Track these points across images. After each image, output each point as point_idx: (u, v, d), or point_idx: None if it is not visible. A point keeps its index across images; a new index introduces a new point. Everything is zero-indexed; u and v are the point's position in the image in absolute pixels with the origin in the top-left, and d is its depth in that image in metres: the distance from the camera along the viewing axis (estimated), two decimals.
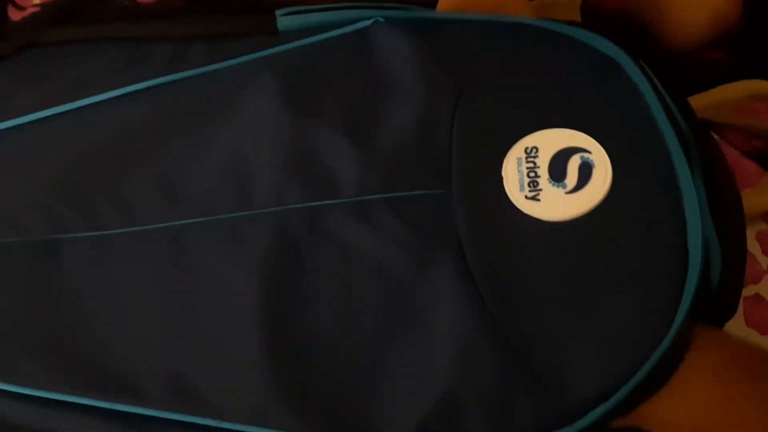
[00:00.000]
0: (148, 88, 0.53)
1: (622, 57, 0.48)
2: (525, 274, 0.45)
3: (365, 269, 0.46)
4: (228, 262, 0.48)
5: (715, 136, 0.61)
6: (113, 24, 0.57)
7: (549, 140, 0.46)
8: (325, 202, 0.47)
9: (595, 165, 0.45)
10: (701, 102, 0.60)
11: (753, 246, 0.62)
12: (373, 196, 0.47)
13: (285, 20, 0.53)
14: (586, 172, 0.45)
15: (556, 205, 0.45)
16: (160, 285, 0.49)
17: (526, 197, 0.45)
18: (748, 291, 0.61)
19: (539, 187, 0.45)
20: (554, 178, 0.45)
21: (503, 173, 0.46)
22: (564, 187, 0.45)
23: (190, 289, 0.48)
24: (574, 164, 0.45)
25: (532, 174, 0.46)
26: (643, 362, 0.42)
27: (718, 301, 0.46)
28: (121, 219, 0.50)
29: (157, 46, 0.55)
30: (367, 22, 0.52)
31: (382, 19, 0.52)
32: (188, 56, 0.54)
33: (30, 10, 0.62)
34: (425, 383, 0.44)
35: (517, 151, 0.46)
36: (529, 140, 0.46)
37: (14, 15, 0.61)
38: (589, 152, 0.45)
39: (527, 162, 0.46)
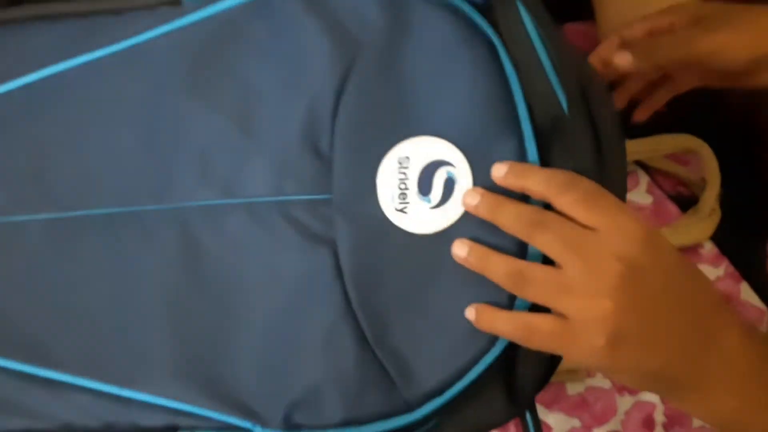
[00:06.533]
0: (57, 74, 0.55)
1: (497, 39, 0.48)
2: (386, 281, 0.48)
3: (253, 265, 0.50)
4: (135, 252, 0.52)
5: (647, 177, 0.72)
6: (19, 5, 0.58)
7: (420, 150, 0.48)
8: (222, 201, 0.51)
9: (458, 180, 0.47)
10: (639, 146, 0.70)
11: None
12: (264, 199, 0.50)
13: None
14: (449, 187, 0.47)
15: (421, 219, 0.48)
16: (72, 267, 0.53)
17: (396, 209, 0.48)
18: None
19: (407, 200, 0.48)
20: (422, 191, 0.48)
21: (377, 182, 0.48)
22: (429, 202, 0.47)
23: (98, 271, 0.53)
24: (439, 178, 0.47)
25: (402, 186, 0.48)
26: (474, 365, 0.46)
27: None
28: (39, 204, 0.54)
29: (65, 25, 0.57)
30: None
31: None
32: (96, 34, 0.56)
33: None
34: (297, 371, 0.49)
35: (390, 161, 0.48)
36: (402, 149, 0.48)
37: None
38: (453, 166, 0.47)
39: (399, 173, 0.48)
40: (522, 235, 0.44)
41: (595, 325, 0.42)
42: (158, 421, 0.51)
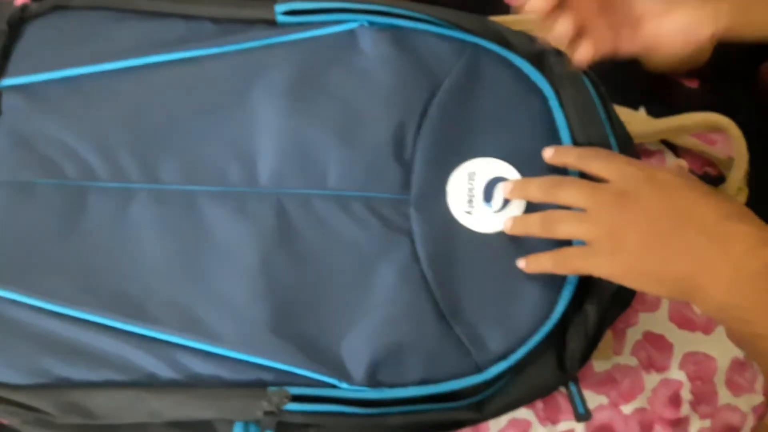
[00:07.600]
0: (171, 61, 0.63)
1: (548, 90, 0.63)
2: (456, 265, 0.60)
3: (340, 245, 0.61)
4: (235, 227, 0.61)
5: (674, 157, 0.75)
6: None
7: (484, 168, 0.62)
8: (315, 191, 0.62)
9: None
10: (666, 124, 0.72)
11: None
12: (353, 193, 0.62)
13: (283, 18, 0.65)
14: (507, 198, 0.61)
15: (484, 221, 0.61)
16: (174, 234, 0.61)
17: (465, 212, 0.61)
18: None
19: (473, 205, 0.61)
20: (485, 199, 0.61)
21: (448, 189, 0.62)
22: (491, 207, 0.61)
23: (199, 241, 0.61)
24: (500, 191, 0.62)
25: (470, 194, 0.62)
26: (534, 334, 0.59)
27: None
28: (145, 176, 0.62)
29: (171, 21, 0.65)
30: (354, 24, 0.64)
31: (367, 23, 0.64)
32: (201, 34, 0.64)
33: None
34: (379, 332, 0.58)
35: (460, 174, 0.62)
36: (470, 165, 0.62)
37: None
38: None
39: (468, 184, 0.62)
40: (548, 197, 0.58)
41: (600, 242, 0.55)
42: (245, 376, 0.58)
